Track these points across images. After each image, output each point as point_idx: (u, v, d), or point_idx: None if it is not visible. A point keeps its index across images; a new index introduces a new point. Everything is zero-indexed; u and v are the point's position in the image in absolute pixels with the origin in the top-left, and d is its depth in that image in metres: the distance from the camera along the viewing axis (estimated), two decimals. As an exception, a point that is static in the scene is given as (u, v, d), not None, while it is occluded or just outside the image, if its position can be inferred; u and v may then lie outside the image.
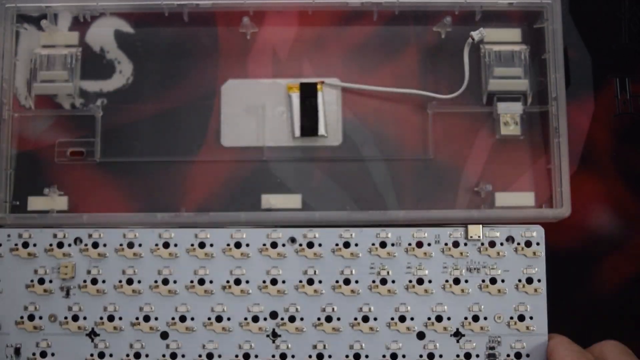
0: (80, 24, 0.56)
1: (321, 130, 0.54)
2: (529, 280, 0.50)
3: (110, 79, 0.56)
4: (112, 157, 0.55)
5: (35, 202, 0.54)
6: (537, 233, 0.51)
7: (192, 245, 0.50)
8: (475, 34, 0.54)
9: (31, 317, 0.50)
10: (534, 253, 0.50)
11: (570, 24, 0.59)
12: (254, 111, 0.55)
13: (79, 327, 0.50)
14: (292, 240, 0.51)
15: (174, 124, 0.55)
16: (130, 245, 0.51)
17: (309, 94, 0.55)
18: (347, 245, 0.50)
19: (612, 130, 0.58)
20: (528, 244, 0.50)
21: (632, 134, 0.58)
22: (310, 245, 0.50)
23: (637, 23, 0.59)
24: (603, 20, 0.60)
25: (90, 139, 0.55)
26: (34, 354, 0.50)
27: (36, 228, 0.51)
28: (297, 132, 0.55)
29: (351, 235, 0.50)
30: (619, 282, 0.57)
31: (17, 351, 0.50)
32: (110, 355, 0.50)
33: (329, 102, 0.55)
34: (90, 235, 0.51)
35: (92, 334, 0.50)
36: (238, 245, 0.50)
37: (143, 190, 0.54)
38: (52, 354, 0.50)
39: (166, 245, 0.51)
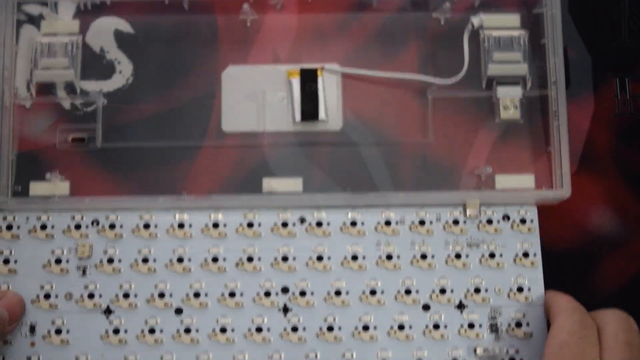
0: (82, 12, 0.67)
1: (321, 115, 0.66)
2: (525, 255, 0.63)
3: (111, 79, 0.67)
4: (114, 142, 0.66)
5: (37, 187, 0.64)
6: (530, 212, 0.63)
7: (207, 225, 0.63)
8: (475, 20, 0.65)
9: (47, 296, 0.61)
10: (529, 229, 0.63)
11: (570, 23, 0.67)
12: (254, 97, 0.67)
13: (95, 305, 0.61)
14: (302, 220, 0.64)
15: (175, 110, 0.66)
16: (146, 226, 0.63)
17: (309, 79, 0.66)
18: (354, 224, 0.63)
19: (612, 130, 0.66)
20: (523, 221, 0.63)
21: (632, 134, 0.66)
22: (319, 224, 0.63)
23: (637, 23, 0.66)
24: (603, 19, 0.68)
25: (92, 125, 0.66)
26: (48, 332, 0.61)
27: (54, 211, 0.63)
28: (298, 117, 0.66)
29: (358, 214, 0.63)
30: (619, 282, 0.65)
31: (32, 329, 0.61)
32: (125, 332, 0.61)
33: (329, 88, 0.66)
34: (107, 217, 0.63)
35: (107, 312, 0.62)
36: (250, 225, 0.63)
37: (144, 176, 0.65)
38: (67, 331, 0.61)
39: (181, 226, 0.63)
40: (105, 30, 0.68)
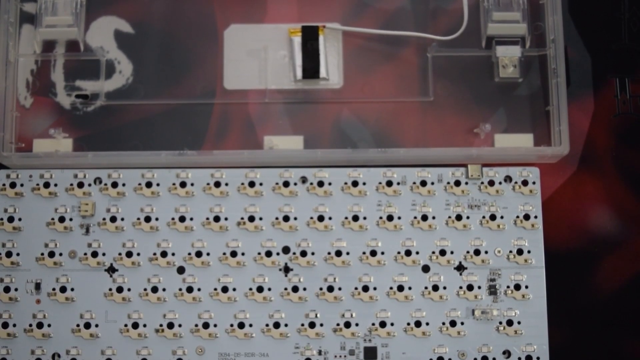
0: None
1: (322, 72, 0.69)
2: (526, 217, 0.65)
3: (110, 79, 0.70)
4: (117, 100, 0.69)
5: (40, 145, 0.68)
6: (533, 173, 0.66)
7: (208, 184, 0.66)
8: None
9: (51, 254, 0.65)
10: (531, 191, 0.66)
11: (570, 24, 0.70)
12: (256, 55, 0.70)
13: (98, 263, 0.65)
14: (303, 180, 0.66)
15: (178, 67, 0.70)
16: (149, 184, 0.66)
17: (310, 37, 0.69)
18: (355, 184, 0.66)
19: (612, 130, 0.69)
20: (525, 183, 0.66)
21: (632, 134, 0.69)
22: (320, 184, 0.66)
23: (637, 23, 0.70)
24: (603, 20, 0.70)
25: (96, 80, 0.69)
26: (53, 289, 0.65)
27: (57, 169, 0.66)
28: (299, 75, 0.69)
29: (359, 174, 0.66)
30: (619, 282, 0.67)
31: (37, 286, 0.65)
32: (129, 290, 0.65)
33: (330, 46, 0.70)
34: (109, 175, 0.66)
35: (111, 270, 0.65)
36: (252, 184, 0.66)
37: (147, 133, 0.69)
38: (72, 289, 0.65)
39: (183, 184, 0.66)
40: (105, 30, 0.71)
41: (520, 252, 0.66)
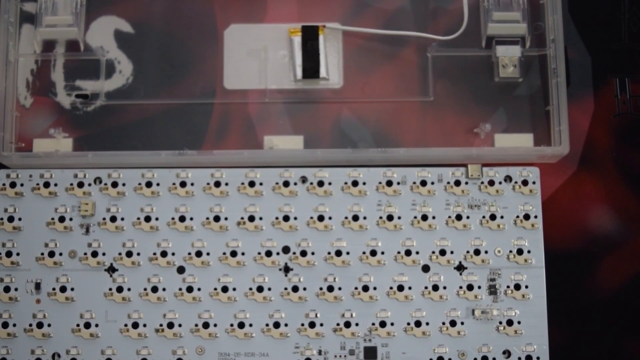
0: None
1: (322, 72, 0.69)
2: (526, 217, 0.66)
3: (110, 79, 0.70)
4: (117, 99, 0.70)
5: (40, 144, 0.68)
6: (533, 173, 0.66)
7: (208, 184, 0.66)
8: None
9: (51, 254, 0.65)
10: (531, 191, 0.66)
11: (570, 23, 0.70)
12: (256, 54, 0.70)
13: (98, 263, 0.65)
14: (303, 179, 0.67)
15: (178, 67, 0.70)
16: (149, 184, 0.66)
17: (310, 36, 0.69)
18: (355, 183, 0.66)
19: (612, 130, 0.69)
20: (525, 182, 0.66)
21: (632, 134, 0.69)
22: (320, 183, 0.66)
23: (637, 23, 0.70)
24: (603, 20, 0.71)
25: (96, 80, 0.70)
26: (53, 289, 0.65)
27: (57, 169, 0.66)
28: (299, 75, 0.69)
29: (359, 174, 0.66)
30: (619, 282, 0.67)
31: (37, 286, 0.65)
32: (129, 290, 0.65)
33: (330, 46, 0.70)
34: (109, 175, 0.66)
35: (111, 270, 0.65)
36: (252, 184, 0.66)
37: (147, 133, 0.69)
38: (72, 289, 0.65)
39: (183, 184, 0.66)
40: (105, 30, 0.71)
41: (520, 252, 0.66)
